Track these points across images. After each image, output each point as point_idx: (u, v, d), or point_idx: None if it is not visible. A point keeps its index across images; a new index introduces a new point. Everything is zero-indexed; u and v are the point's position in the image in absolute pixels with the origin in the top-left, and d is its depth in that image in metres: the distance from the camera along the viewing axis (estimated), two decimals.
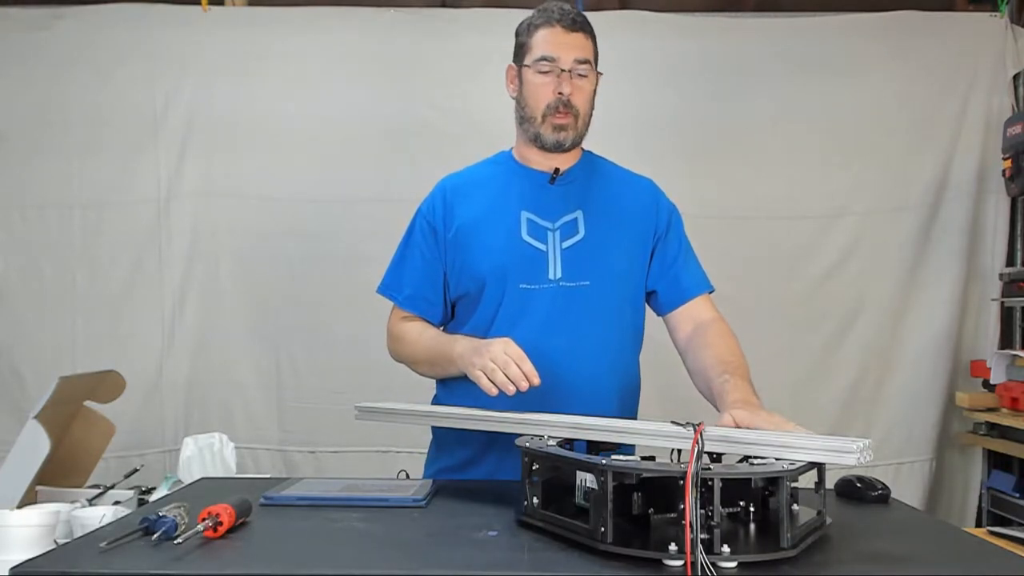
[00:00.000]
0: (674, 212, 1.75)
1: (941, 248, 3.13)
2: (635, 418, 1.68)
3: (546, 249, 1.62)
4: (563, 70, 1.60)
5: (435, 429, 1.74)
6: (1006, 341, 3.16)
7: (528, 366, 1.41)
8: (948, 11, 3.29)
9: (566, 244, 1.63)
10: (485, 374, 1.42)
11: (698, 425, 1.04)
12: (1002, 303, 3.11)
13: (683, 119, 3.14)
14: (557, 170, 1.67)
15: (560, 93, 1.60)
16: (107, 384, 1.99)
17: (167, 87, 3.10)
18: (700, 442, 0.98)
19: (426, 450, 1.77)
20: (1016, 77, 3.16)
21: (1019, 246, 3.18)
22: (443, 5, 3.39)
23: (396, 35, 3.15)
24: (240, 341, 3.10)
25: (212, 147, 3.11)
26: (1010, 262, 3.15)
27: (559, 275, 1.61)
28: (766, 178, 3.13)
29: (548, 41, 1.61)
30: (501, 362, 1.41)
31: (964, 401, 3.03)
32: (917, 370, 3.12)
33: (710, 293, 1.72)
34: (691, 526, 0.93)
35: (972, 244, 3.14)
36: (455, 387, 1.63)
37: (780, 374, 3.06)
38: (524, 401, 1.46)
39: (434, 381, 1.75)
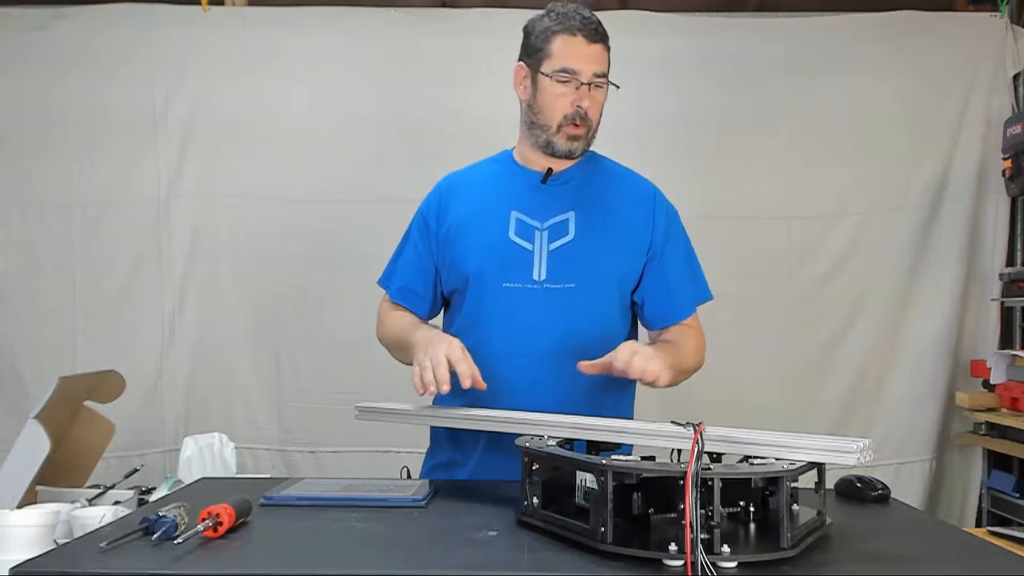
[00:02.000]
0: (673, 221, 1.71)
1: (941, 248, 3.13)
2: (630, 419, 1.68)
3: (532, 249, 1.61)
4: (583, 83, 1.58)
5: (432, 427, 1.74)
6: (1006, 341, 3.16)
7: (463, 368, 1.40)
8: (948, 11, 3.29)
9: (554, 245, 1.61)
10: (419, 371, 1.42)
11: (698, 425, 1.04)
12: (1002, 303, 3.11)
13: (683, 119, 3.13)
14: (550, 170, 1.66)
15: (579, 107, 1.59)
16: (107, 384, 1.99)
17: (167, 87, 3.10)
18: (700, 442, 0.98)
19: (426, 450, 1.77)
20: (1016, 77, 3.15)
21: (1019, 246, 3.17)
22: (443, 5, 3.38)
23: (396, 35, 3.15)
24: (240, 341, 3.10)
25: (212, 147, 3.10)
26: (1010, 262, 3.15)
27: (544, 276, 1.60)
28: (766, 178, 3.13)
29: (569, 52, 1.58)
30: (434, 362, 1.40)
31: (964, 401, 3.03)
32: (917, 370, 3.12)
33: (706, 301, 1.71)
34: (691, 526, 0.93)
35: (972, 244, 3.13)
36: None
37: (780, 374, 3.06)
38: (510, 402, 1.49)
39: None
